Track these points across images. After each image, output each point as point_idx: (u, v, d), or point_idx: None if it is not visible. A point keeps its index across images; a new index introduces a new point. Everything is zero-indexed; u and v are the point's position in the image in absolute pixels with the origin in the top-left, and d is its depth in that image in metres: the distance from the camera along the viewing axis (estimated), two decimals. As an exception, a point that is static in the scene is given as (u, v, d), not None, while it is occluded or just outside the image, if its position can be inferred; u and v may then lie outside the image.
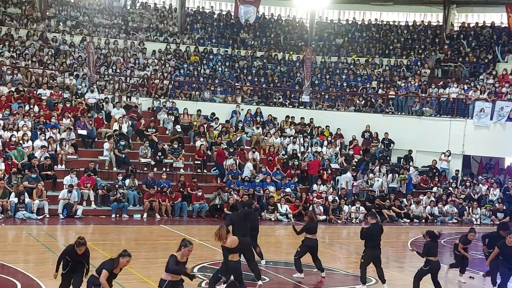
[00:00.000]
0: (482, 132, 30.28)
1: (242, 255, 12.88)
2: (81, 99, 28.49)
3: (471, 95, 31.56)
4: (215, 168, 27.00)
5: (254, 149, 28.28)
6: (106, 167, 25.18)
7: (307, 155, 28.93)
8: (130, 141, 26.97)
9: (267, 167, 27.45)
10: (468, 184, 29.86)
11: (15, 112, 25.81)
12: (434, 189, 29.22)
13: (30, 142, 24.38)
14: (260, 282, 13.36)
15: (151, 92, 31.17)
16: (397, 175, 28.71)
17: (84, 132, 26.10)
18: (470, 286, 15.45)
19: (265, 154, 28.61)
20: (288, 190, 26.21)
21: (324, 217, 25.44)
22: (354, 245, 18.01)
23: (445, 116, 31.66)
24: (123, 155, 25.54)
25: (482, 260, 18.49)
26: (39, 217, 21.46)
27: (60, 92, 28.44)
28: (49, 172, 23.29)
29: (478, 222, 27.85)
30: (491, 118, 30.14)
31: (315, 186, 26.93)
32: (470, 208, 28.49)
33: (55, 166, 23.96)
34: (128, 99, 29.70)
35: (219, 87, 33.33)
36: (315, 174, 27.49)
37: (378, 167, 28.91)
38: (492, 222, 27.95)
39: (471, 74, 34.25)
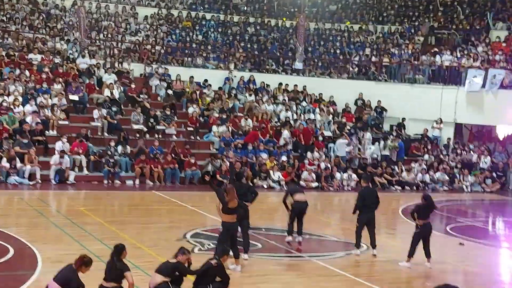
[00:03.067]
0: (474, 100, 30.29)
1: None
2: (72, 64, 28.27)
3: (463, 63, 31.51)
4: (207, 135, 26.96)
5: (246, 116, 28.23)
6: (99, 133, 25.10)
7: (300, 123, 28.92)
8: (122, 107, 26.85)
9: (260, 134, 27.43)
10: (459, 152, 30.01)
11: (6, 77, 25.61)
12: (426, 156, 29.35)
13: (21, 107, 24.21)
14: (245, 256, 13.29)
15: (143, 58, 30.95)
16: (388, 142, 28.78)
17: (75, 97, 25.96)
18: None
19: (258, 121, 28.58)
20: (284, 158, 26.18)
21: (316, 184, 25.54)
22: (346, 212, 18.10)
23: (437, 83, 31.64)
24: (115, 121, 25.45)
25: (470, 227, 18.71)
26: (31, 183, 21.44)
27: (51, 57, 28.18)
28: (40, 138, 23.22)
29: (469, 190, 28.06)
30: (484, 86, 30.13)
31: (308, 154, 26.96)
32: (461, 176, 28.67)
33: (47, 132, 23.86)
34: (120, 65, 29.48)
35: (212, 53, 33.12)
36: (307, 144, 27.50)
37: (369, 134, 28.97)
38: (482, 190, 28.19)
39: (464, 41, 34.15)
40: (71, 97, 25.90)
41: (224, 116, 27.75)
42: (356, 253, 14.27)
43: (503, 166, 29.34)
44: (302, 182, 24.89)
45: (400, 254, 14.85)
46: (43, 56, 27.94)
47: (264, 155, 26.07)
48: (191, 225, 16.32)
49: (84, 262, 9.22)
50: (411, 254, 13.39)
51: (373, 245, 14.28)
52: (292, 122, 29.10)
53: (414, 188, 27.25)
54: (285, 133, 27.58)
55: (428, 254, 13.42)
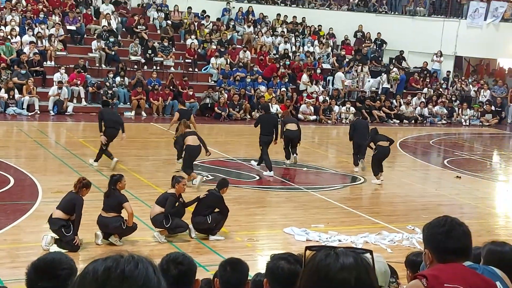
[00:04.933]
0: (475, 32, 30.00)
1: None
2: (69, -6, 27.79)
3: (466, -5, 31.05)
4: (206, 67, 26.79)
5: (245, 48, 27.98)
6: (96, 64, 24.93)
7: (298, 55, 28.69)
8: (120, 38, 26.57)
9: (258, 66, 27.26)
10: (458, 85, 29.92)
11: (2, 6, 25.23)
12: (425, 90, 29.26)
13: (18, 38, 23.98)
14: (270, 173, 14.79)
15: (141, -13, 30.38)
16: (393, 74, 28.61)
17: (73, 27, 25.66)
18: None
19: (256, 53, 28.33)
20: (283, 89, 26.06)
21: (314, 117, 25.56)
22: (343, 145, 18.19)
23: (438, 16, 31.26)
24: (113, 52, 25.24)
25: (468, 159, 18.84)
26: (29, 114, 21.44)
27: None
28: (38, 68, 23.07)
29: (467, 123, 28.12)
30: (485, 19, 29.78)
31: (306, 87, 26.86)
32: (460, 109, 28.67)
33: (44, 63, 23.70)
34: (117, -5, 28.97)
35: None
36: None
37: (368, 67, 28.82)
38: (481, 123, 28.25)
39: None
40: (69, 27, 25.60)
41: (222, 49, 27.50)
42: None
43: (502, 100, 29.31)
44: (300, 115, 24.90)
45: (398, 187, 15.04)
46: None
47: (263, 88, 25.97)
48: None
49: (84, 184, 9.34)
50: (376, 172, 14.93)
51: (355, 163, 16.10)
52: (290, 54, 28.86)
53: (413, 121, 27.29)
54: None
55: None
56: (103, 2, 27.80)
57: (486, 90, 29.48)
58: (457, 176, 16.56)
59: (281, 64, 27.75)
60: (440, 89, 29.52)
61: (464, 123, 28.09)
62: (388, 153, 15.08)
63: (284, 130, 15.85)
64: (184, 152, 13.66)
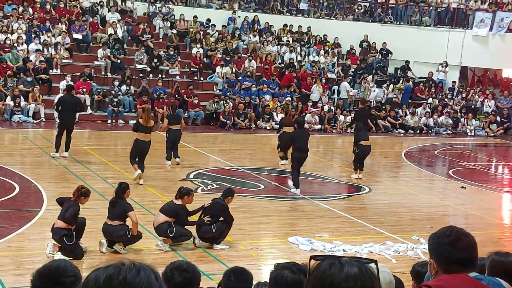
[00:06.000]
0: (481, 43, 29.98)
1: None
2: (75, 2, 27.90)
3: (471, 5, 31.04)
4: (211, 76, 26.83)
5: (250, 58, 28.02)
6: (102, 73, 25.00)
7: (304, 64, 28.71)
8: (126, 46, 26.65)
9: (263, 75, 27.30)
10: (464, 95, 29.88)
11: (9, 14, 25.36)
12: (430, 100, 29.23)
13: (24, 46, 24.09)
14: (296, 191, 14.32)
15: (147, -4, 30.50)
16: (393, 85, 28.62)
17: (79, 36, 25.76)
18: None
19: (262, 62, 28.37)
20: (288, 98, 26.04)
21: (319, 126, 25.55)
22: (348, 155, 18.17)
23: (444, 26, 31.26)
24: (119, 61, 25.31)
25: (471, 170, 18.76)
26: (35, 121, 21.49)
27: (54, -6, 27.82)
28: (44, 76, 23.15)
29: (473, 134, 28.06)
30: (491, 29, 29.76)
31: (311, 96, 26.85)
32: (465, 120, 28.60)
33: (50, 70, 23.78)
34: (123, 3, 29.12)
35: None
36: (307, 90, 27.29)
37: (373, 77, 28.82)
38: (486, 134, 28.18)
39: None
40: (75, 35, 25.70)
41: (228, 57, 27.55)
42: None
43: (508, 110, 29.23)
44: (305, 125, 24.86)
45: (403, 197, 15.00)
46: (46, -6, 27.58)
47: (268, 97, 25.99)
48: (194, 165, 16.42)
49: (82, 192, 9.32)
50: (356, 168, 16.06)
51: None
52: (296, 64, 28.89)
53: (418, 131, 27.25)
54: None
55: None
56: (109, 11, 27.92)
57: (490, 100, 29.40)
58: (462, 187, 16.52)
59: (287, 73, 27.75)
60: (446, 99, 29.48)
61: (469, 134, 28.02)
62: (369, 151, 16.03)
63: (282, 132, 16.78)
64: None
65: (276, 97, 26.05)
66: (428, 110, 28.22)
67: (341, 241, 10.85)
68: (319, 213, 12.89)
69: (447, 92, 30.21)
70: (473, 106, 29.40)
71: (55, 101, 15.97)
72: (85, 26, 26.38)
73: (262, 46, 29.39)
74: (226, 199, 10.29)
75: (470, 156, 23.59)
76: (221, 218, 10.23)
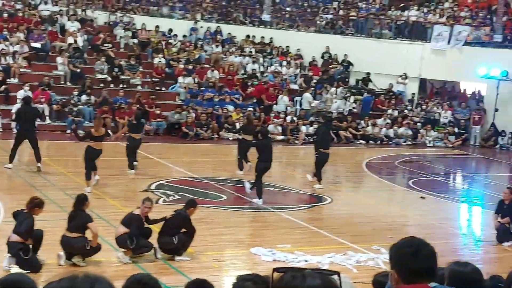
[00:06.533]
0: (439, 56, 30.48)
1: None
2: (34, 10, 27.58)
3: (430, 18, 31.57)
4: (173, 86, 26.71)
5: (213, 68, 27.99)
6: (61, 82, 24.67)
7: (266, 75, 28.79)
8: (86, 55, 26.38)
9: (226, 86, 27.28)
10: (423, 107, 30.31)
11: (-35, 22, 24.93)
12: (390, 111, 29.57)
13: (-19, 54, 23.69)
14: (259, 201, 14.29)
15: (107, 5, 30.30)
16: (353, 96, 28.92)
17: (37, 45, 25.40)
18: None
19: (224, 73, 28.37)
20: (250, 109, 26.04)
21: (282, 137, 25.60)
22: (311, 166, 18.23)
23: (403, 39, 31.71)
24: (78, 70, 25.03)
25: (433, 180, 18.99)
26: (-8, 132, 21.09)
27: (12, 2, 27.44)
28: (1, 88, 22.74)
29: (432, 145, 28.44)
30: (449, 42, 30.29)
31: (274, 106, 26.94)
32: (424, 131, 28.99)
33: (8, 80, 23.38)
34: (83, 12, 28.86)
35: (178, 2, 32.57)
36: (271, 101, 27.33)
37: (335, 88, 29.05)
38: (445, 145, 28.60)
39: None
40: (33, 44, 25.34)
41: (190, 67, 27.47)
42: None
43: (465, 122, 29.73)
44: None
45: (364, 208, 15.10)
46: (4, 2, 27.19)
47: (231, 107, 25.97)
48: (156, 176, 16.29)
49: (35, 203, 9.16)
50: (317, 175, 16.29)
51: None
52: (258, 74, 28.95)
53: (379, 142, 27.50)
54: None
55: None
56: (68, 20, 27.62)
57: (447, 111, 29.87)
58: (422, 197, 16.71)
59: (249, 84, 27.81)
60: (405, 111, 29.86)
61: (428, 144, 28.41)
62: (327, 159, 16.19)
63: (241, 138, 17.23)
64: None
65: (239, 108, 26.03)
66: (389, 121, 28.53)
67: (303, 251, 10.86)
68: (281, 223, 12.89)
69: (407, 103, 30.62)
70: (432, 118, 29.82)
71: (14, 112, 15.75)
72: (44, 35, 26.04)
73: (225, 56, 29.40)
74: (189, 210, 10.22)
75: (429, 167, 23.89)
76: (183, 230, 10.15)
